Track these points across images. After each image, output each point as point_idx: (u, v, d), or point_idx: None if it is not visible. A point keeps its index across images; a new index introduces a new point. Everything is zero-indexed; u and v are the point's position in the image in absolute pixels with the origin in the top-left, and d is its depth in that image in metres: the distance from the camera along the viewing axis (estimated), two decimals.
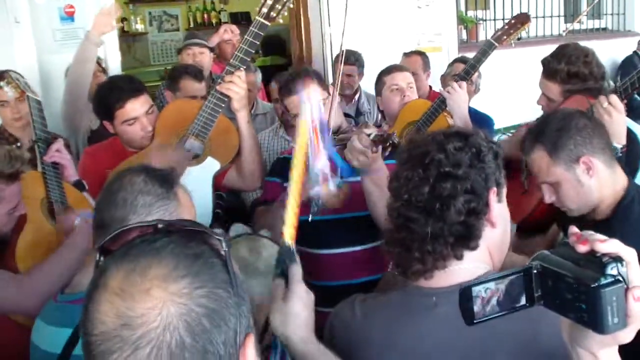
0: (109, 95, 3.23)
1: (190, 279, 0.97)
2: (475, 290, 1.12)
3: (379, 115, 4.87)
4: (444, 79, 4.97)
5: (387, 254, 1.74)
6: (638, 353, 1.28)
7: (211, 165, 3.16)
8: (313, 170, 1.70)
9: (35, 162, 3.07)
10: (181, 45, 5.47)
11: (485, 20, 8.49)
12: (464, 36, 8.16)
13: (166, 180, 1.95)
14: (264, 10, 2.91)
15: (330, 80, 6.06)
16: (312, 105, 1.67)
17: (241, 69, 2.98)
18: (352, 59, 5.27)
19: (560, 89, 3.02)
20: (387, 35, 6.61)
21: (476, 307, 1.12)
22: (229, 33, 5.38)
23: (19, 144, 3.73)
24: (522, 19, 3.67)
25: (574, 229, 1.14)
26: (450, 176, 1.57)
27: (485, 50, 3.61)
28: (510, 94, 6.81)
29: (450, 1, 7.40)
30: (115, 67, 5.56)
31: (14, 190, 2.62)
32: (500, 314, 1.13)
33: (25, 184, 2.69)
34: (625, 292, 1.05)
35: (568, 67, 2.98)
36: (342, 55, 3.07)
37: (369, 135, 2.45)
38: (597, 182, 2.34)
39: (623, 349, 1.15)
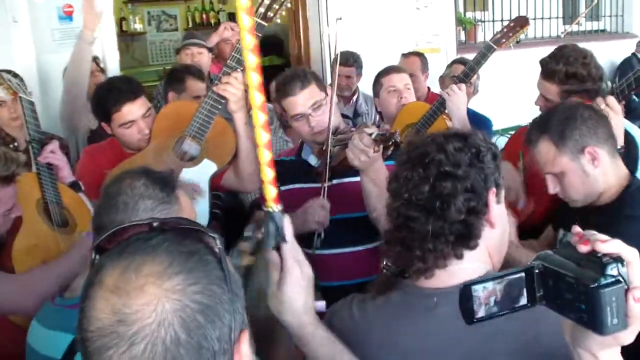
0: (106, 97, 3.23)
1: (185, 276, 0.98)
2: (475, 289, 1.12)
3: (377, 117, 4.87)
4: (443, 80, 4.97)
5: (387, 253, 1.75)
6: (639, 354, 1.28)
7: (208, 167, 3.14)
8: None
9: (31, 163, 3.07)
10: (180, 45, 5.46)
11: (484, 21, 8.50)
12: (463, 37, 8.16)
13: (167, 184, 1.95)
14: (261, 10, 2.90)
15: (329, 80, 6.06)
16: None
17: (238, 70, 2.98)
18: (350, 60, 5.27)
19: (558, 90, 3.02)
20: (386, 36, 6.61)
21: (476, 306, 1.12)
22: (229, 30, 5.37)
23: (15, 144, 3.72)
24: (521, 22, 3.66)
25: (576, 228, 1.14)
26: (451, 175, 1.57)
27: (485, 53, 3.61)
28: (509, 96, 6.81)
29: (449, 2, 7.39)
30: (113, 66, 5.55)
31: (10, 192, 2.61)
32: (500, 313, 1.12)
33: (21, 186, 2.69)
34: (625, 293, 1.05)
35: (566, 68, 2.98)
36: (337, 64, 3.07)
37: (370, 134, 2.44)
38: (602, 172, 2.37)
39: (624, 350, 1.14)
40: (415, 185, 1.60)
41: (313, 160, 3.01)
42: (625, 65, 8.62)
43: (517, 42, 3.65)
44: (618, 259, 1.06)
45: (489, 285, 1.12)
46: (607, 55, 8.60)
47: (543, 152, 2.42)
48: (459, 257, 1.60)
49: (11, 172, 2.59)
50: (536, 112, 3.24)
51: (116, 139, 3.32)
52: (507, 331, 1.47)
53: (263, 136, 1.51)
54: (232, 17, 10.05)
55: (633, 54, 8.75)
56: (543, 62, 3.11)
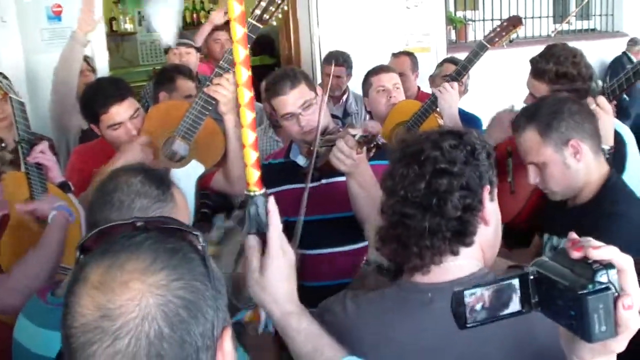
0: (93, 99, 3.22)
1: (168, 272, 0.99)
2: (468, 294, 1.10)
3: (367, 116, 4.86)
4: (433, 80, 4.97)
5: (381, 250, 1.76)
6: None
7: (195, 168, 3.13)
8: None
9: (20, 163, 3.05)
10: (167, 46, 5.45)
11: (475, 20, 8.51)
12: (453, 37, 8.17)
13: (163, 182, 1.94)
14: (257, 12, 2.89)
15: (319, 80, 6.06)
16: None
17: (230, 71, 2.96)
18: (340, 59, 5.27)
19: (548, 89, 3.01)
20: (376, 36, 6.61)
21: (468, 312, 1.10)
22: (221, 17, 5.37)
23: (3, 144, 3.70)
24: (513, 22, 3.66)
25: (572, 234, 1.13)
26: (446, 172, 1.58)
27: (477, 51, 3.61)
28: (499, 94, 6.79)
29: (439, 1, 7.40)
30: (102, 66, 5.53)
31: None
32: (493, 319, 1.11)
33: (7, 184, 2.67)
34: (615, 300, 1.04)
35: (556, 68, 2.97)
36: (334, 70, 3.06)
37: (353, 136, 2.44)
38: (584, 166, 2.39)
39: (620, 357, 1.14)
40: (411, 182, 1.60)
41: (301, 161, 3.00)
42: (616, 64, 8.65)
43: (510, 41, 3.65)
44: (608, 266, 1.05)
45: (482, 290, 1.10)
46: (598, 54, 8.62)
47: (528, 141, 2.44)
48: (455, 253, 1.61)
49: None
50: None
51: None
52: (503, 328, 1.46)
53: (250, 136, 1.49)
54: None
55: (624, 52, 8.78)
56: (533, 61, 3.11)
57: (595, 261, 1.06)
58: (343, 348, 1.54)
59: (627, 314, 1.04)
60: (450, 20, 7.99)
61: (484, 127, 4.51)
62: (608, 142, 2.62)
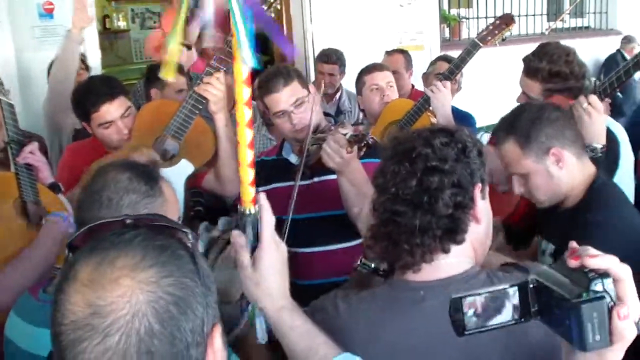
0: (84, 98, 3.21)
1: (158, 269, 0.99)
2: (466, 301, 1.10)
3: (360, 114, 4.86)
4: (426, 78, 4.95)
5: (372, 248, 1.76)
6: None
7: (184, 167, 3.11)
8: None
9: (9, 163, 3.04)
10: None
11: (468, 18, 8.51)
12: (447, 34, 8.16)
13: (151, 177, 1.93)
14: None
15: (312, 78, 6.05)
16: None
17: (221, 70, 2.95)
18: (334, 57, 5.26)
19: (541, 88, 3.01)
20: (369, 34, 6.61)
21: (466, 319, 1.10)
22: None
23: None
24: (506, 20, 3.65)
25: (573, 243, 1.13)
26: (437, 170, 1.58)
27: (470, 50, 3.60)
28: (493, 92, 6.81)
29: None
30: (95, 64, 5.50)
31: None
32: (492, 327, 1.11)
33: None
34: (610, 310, 1.03)
35: (549, 66, 2.97)
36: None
37: (344, 134, 2.44)
38: (567, 173, 2.37)
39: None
40: (402, 179, 1.60)
41: (293, 159, 3.00)
42: (610, 62, 8.65)
43: (503, 39, 3.64)
44: (604, 275, 1.04)
45: (480, 298, 1.10)
46: (592, 52, 8.64)
47: (509, 153, 2.42)
48: (446, 251, 1.61)
49: None
50: None
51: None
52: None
53: (247, 134, 1.47)
54: None
55: (618, 50, 8.78)
56: (526, 60, 3.10)
57: (592, 270, 1.05)
58: (337, 346, 1.53)
59: (623, 323, 1.03)
60: (444, 18, 7.98)
61: (478, 124, 4.53)
62: (600, 141, 2.62)
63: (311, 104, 2.88)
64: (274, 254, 1.52)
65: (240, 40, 1.38)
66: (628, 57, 8.39)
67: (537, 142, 2.34)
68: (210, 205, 3.75)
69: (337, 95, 5.46)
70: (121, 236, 1.03)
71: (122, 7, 10.22)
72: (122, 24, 10.17)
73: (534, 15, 8.96)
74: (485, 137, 3.75)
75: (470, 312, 1.10)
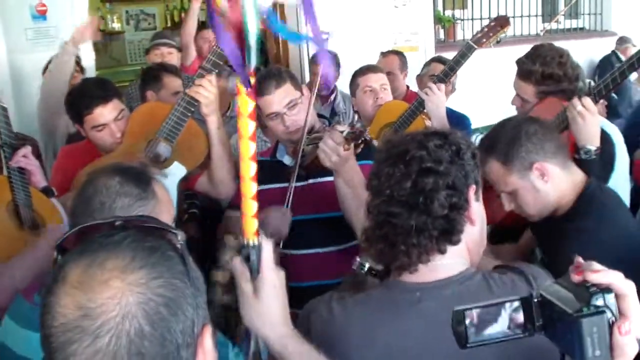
0: (78, 100, 3.21)
1: (148, 270, 0.99)
2: (469, 314, 1.10)
3: (355, 116, 4.84)
4: (420, 79, 4.94)
5: (367, 251, 1.76)
6: None
7: (177, 170, 3.09)
8: None
9: (2, 166, 3.02)
10: (149, 46, 5.41)
11: (463, 19, 8.51)
12: (442, 35, 8.16)
13: (142, 179, 1.93)
14: None
15: (307, 79, 6.04)
16: None
17: (212, 73, 2.94)
18: None
19: (534, 90, 3.00)
20: (364, 35, 6.61)
21: (469, 332, 1.10)
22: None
23: None
24: (501, 22, 3.63)
25: (578, 258, 1.13)
26: (432, 171, 1.59)
27: (465, 52, 3.58)
28: (488, 94, 6.81)
29: (428, 0, 7.41)
30: (89, 66, 5.48)
31: None
32: (495, 340, 1.11)
33: None
34: (611, 325, 1.03)
35: (543, 68, 2.97)
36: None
37: (341, 132, 2.42)
38: (553, 185, 2.36)
39: None
40: (397, 181, 1.61)
41: (287, 160, 2.99)
42: (605, 63, 8.66)
43: (498, 41, 3.63)
44: (606, 290, 1.04)
45: (483, 310, 1.10)
46: (586, 53, 8.64)
47: (493, 172, 2.42)
48: (443, 252, 1.62)
49: None
50: (514, 110, 3.23)
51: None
52: None
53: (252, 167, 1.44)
54: None
55: (613, 51, 8.79)
56: (519, 62, 3.10)
57: (594, 285, 1.05)
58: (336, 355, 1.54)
59: (624, 339, 1.03)
60: (439, 19, 7.98)
61: (473, 126, 4.52)
62: (594, 143, 2.61)
63: (305, 105, 2.87)
64: (275, 282, 1.52)
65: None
66: (623, 58, 8.41)
67: (518, 158, 2.35)
68: (205, 206, 3.75)
69: (332, 97, 5.45)
70: (110, 238, 1.03)
71: (117, 8, 10.18)
72: (116, 25, 10.13)
73: (528, 16, 8.96)
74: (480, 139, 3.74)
75: (472, 324, 1.10)
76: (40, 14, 5.20)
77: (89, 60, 5.52)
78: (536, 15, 9.12)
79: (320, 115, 3.88)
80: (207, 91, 2.92)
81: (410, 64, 5.29)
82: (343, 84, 5.20)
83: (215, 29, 1.33)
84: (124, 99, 3.47)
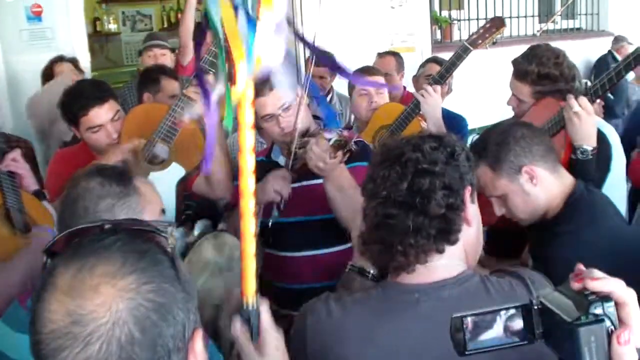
0: (73, 101, 3.19)
1: (138, 275, 0.99)
2: (468, 321, 1.09)
3: (352, 117, 4.83)
4: (417, 80, 4.93)
5: (364, 253, 1.77)
6: None
7: (176, 170, 3.10)
8: None
9: None
10: (142, 47, 5.39)
11: (460, 20, 8.49)
12: (438, 36, 8.15)
13: (122, 177, 1.93)
14: None
15: (302, 80, 6.02)
16: None
17: (209, 73, 2.93)
18: None
19: (530, 90, 3.00)
20: (360, 36, 6.59)
21: (468, 338, 1.09)
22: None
23: None
24: (496, 23, 3.62)
25: (580, 265, 1.11)
26: (428, 172, 1.61)
27: (460, 54, 3.57)
28: (484, 94, 6.80)
29: (424, 1, 7.39)
30: (85, 67, 5.47)
31: None
32: (494, 347, 1.09)
33: None
34: (610, 334, 1.01)
35: (539, 69, 2.96)
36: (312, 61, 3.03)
37: (328, 140, 2.43)
38: (542, 189, 2.37)
39: None
40: (393, 183, 1.62)
41: (283, 161, 2.99)
42: (601, 63, 8.65)
43: (494, 43, 3.62)
44: (605, 298, 1.02)
45: (482, 317, 1.09)
46: (583, 53, 8.64)
47: (482, 177, 2.41)
48: (441, 251, 1.62)
49: None
50: (511, 111, 3.22)
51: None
52: None
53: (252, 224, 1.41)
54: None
55: (609, 51, 8.78)
56: (515, 63, 3.09)
57: (594, 293, 1.03)
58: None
59: (623, 349, 1.01)
60: (435, 20, 7.97)
61: (470, 127, 4.51)
62: (590, 143, 2.61)
63: (298, 106, 2.87)
64: (277, 343, 1.49)
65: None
66: (619, 57, 8.40)
67: (506, 162, 2.36)
68: (200, 209, 3.73)
69: (328, 98, 5.43)
70: (100, 242, 1.03)
71: (113, 9, 10.17)
72: (112, 26, 10.13)
73: (525, 16, 8.95)
74: None
75: (471, 331, 1.08)
76: (36, 15, 5.19)
77: (84, 61, 5.52)
78: (533, 16, 9.10)
79: (315, 117, 3.86)
80: None
81: (407, 65, 5.28)
82: (339, 85, 5.19)
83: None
84: (119, 101, 3.45)
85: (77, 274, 0.98)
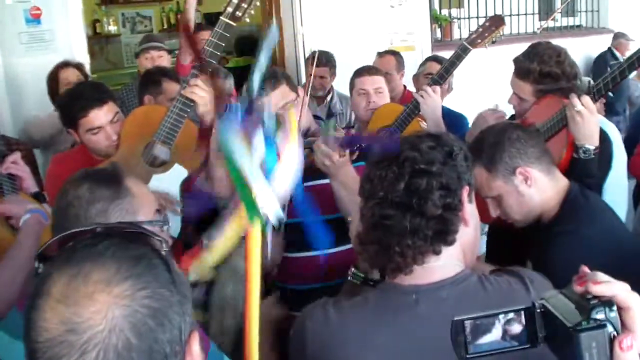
0: (72, 103, 3.17)
1: (133, 281, 0.98)
2: (469, 323, 1.07)
3: (353, 116, 4.83)
4: (417, 79, 4.93)
5: (361, 255, 1.77)
6: None
7: (178, 172, 3.09)
8: None
9: None
10: (138, 49, 5.37)
11: (460, 18, 8.48)
12: (438, 35, 8.14)
13: (112, 180, 1.89)
14: (229, 10, 2.85)
15: (304, 80, 6.03)
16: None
17: (206, 72, 2.92)
18: (324, 60, 5.23)
19: (532, 89, 2.98)
20: (360, 35, 6.59)
21: (469, 342, 1.07)
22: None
23: None
24: (496, 22, 3.61)
25: (584, 268, 1.09)
26: (425, 172, 1.60)
27: (459, 54, 3.57)
28: (485, 93, 6.77)
29: (424, 0, 7.37)
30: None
31: None
32: (496, 351, 1.07)
33: None
34: (612, 339, 0.98)
35: (540, 67, 2.94)
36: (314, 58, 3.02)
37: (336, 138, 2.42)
38: (537, 190, 2.39)
39: None
40: (390, 183, 1.61)
41: None
42: (599, 61, 8.65)
43: (493, 41, 3.61)
44: (607, 303, 1.00)
45: (484, 320, 1.07)
46: (584, 50, 8.63)
47: (477, 177, 2.41)
48: (437, 252, 1.62)
49: None
50: (512, 109, 3.21)
51: (85, 146, 3.25)
52: None
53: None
54: (207, 17, 9.97)
55: (609, 48, 8.77)
56: (517, 61, 3.08)
57: (594, 297, 1.01)
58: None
59: (625, 355, 0.98)
60: (435, 19, 7.96)
61: (470, 125, 4.50)
62: (593, 142, 2.59)
63: (300, 106, 2.86)
64: None
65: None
66: (618, 54, 8.41)
67: (501, 163, 2.38)
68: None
69: (328, 98, 5.44)
70: (94, 247, 1.02)
71: (113, 11, 10.17)
72: (112, 28, 10.12)
73: (525, 14, 8.94)
74: None
75: (472, 334, 1.07)
76: (35, 18, 5.17)
77: (84, 63, 5.51)
78: (533, 13, 9.09)
79: (316, 117, 3.85)
80: (202, 91, 2.90)
81: (407, 64, 5.28)
82: (339, 85, 5.18)
83: None
84: (117, 102, 3.44)
85: (71, 281, 0.97)
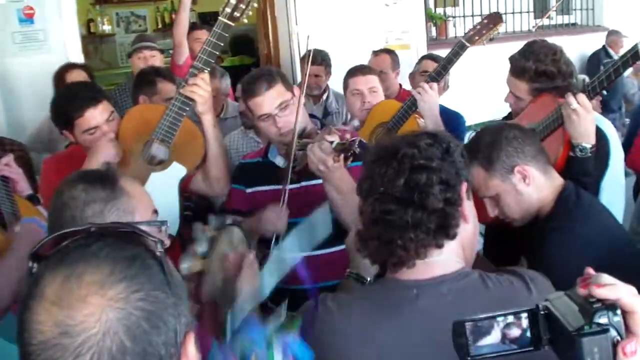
0: (67, 104, 3.13)
1: (127, 283, 0.98)
2: (469, 325, 1.06)
3: (349, 115, 4.82)
4: (413, 77, 4.92)
5: (362, 252, 1.75)
6: None
7: (177, 170, 3.08)
8: None
9: None
10: (130, 49, 5.35)
11: (455, 17, 8.49)
12: (433, 33, 8.15)
13: (106, 180, 1.90)
14: (227, 10, 2.84)
15: (299, 79, 6.02)
16: None
17: (205, 71, 2.91)
18: (319, 59, 5.22)
19: (528, 88, 2.98)
20: (355, 34, 6.60)
21: (470, 344, 1.06)
22: None
23: None
24: (494, 20, 3.61)
25: (589, 269, 1.07)
26: (425, 168, 1.61)
27: (457, 51, 3.57)
28: (481, 91, 6.79)
29: None
30: None
31: None
32: (498, 353, 1.06)
33: None
34: (615, 344, 0.96)
35: (536, 65, 2.94)
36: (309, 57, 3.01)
37: (330, 143, 2.41)
38: (535, 189, 2.39)
39: None
40: (390, 179, 1.62)
41: (280, 162, 2.98)
42: (593, 59, 8.67)
43: (491, 39, 3.60)
44: (611, 307, 0.97)
45: (486, 322, 1.06)
46: (578, 48, 8.65)
47: (475, 177, 2.41)
48: (440, 246, 1.62)
49: None
50: (508, 107, 3.20)
51: (79, 146, 3.22)
52: None
53: None
54: (202, 17, 9.96)
55: (603, 46, 8.79)
56: (512, 59, 3.07)
57: (598, 300, 0.99)
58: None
59: None
60: (430, 17, 7.97)
61: (467, 123, 4.50)
62: (590, 141, 2.59)
63: (295, 106, 2.85)
64: None
65: None
66: (612, 51, 8.42)
67: (499, 162, 2.38)
68: (199, 209, 3.71)
69: (324, 97, 5.43)
70: (88, 248, 1.01)
71: (107, 10, 10.15)
72: (107, 27, 10.11)
73: (520, 12, 8.96)
74: None
75: (473, 336, 1.05)
76: (28, 18, 5.16)
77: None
78: (528, 12, 9.12)
79: (312, 116, 3.84)
80: (201, 89, 2.89)
81: (402, 62, 5.27)
82: (335, 84, 5.17)
83: None
84: (111, 102, 3.42)
85: (64, 283, 0.96)
